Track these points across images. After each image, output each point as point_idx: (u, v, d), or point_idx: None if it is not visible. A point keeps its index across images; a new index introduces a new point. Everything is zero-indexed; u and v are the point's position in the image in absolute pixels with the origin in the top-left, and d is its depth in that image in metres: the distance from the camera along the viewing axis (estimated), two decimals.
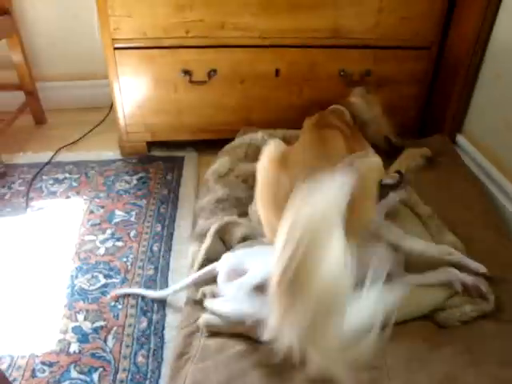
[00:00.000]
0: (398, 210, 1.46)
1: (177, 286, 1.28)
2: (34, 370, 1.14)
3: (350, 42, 1.87)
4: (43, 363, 1.16)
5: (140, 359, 1.21)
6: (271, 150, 1.28)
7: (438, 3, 1.83)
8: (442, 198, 1.54)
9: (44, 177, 1.91)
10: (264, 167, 1.25)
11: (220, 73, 1.88)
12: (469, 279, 1.17)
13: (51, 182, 1.88)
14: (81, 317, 1.30)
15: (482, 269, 1.22)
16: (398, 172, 1.53)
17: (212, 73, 1.87)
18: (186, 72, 1.86)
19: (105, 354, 1.21)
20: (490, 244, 1.34)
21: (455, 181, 1.64)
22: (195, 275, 1.22)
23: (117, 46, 1.80)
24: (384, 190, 1.45)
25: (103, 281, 1.41)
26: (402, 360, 1.05)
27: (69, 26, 2.26)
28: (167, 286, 1.40)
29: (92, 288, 1.39)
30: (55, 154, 2.05)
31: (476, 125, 1.85)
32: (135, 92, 1.91)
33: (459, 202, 1.52)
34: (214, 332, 1.12)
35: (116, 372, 1.17)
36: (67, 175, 1.92)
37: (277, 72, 1.90)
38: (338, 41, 1.86)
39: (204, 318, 1.13)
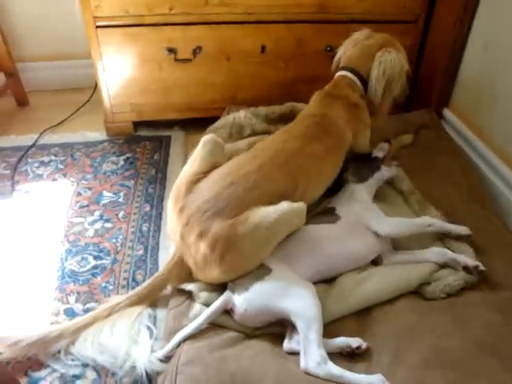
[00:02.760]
0: (382, 189, 1.48)
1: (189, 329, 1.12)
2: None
3: (335, 17, 1.85)
4: None
5: None
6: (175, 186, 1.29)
7: None
8: (427, 174, 1.56)
9: (29, 160, 1.88)
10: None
11: (205, 50, 1.85)
12: (468, 261, 1.18)
13: (37, 164, 1.86)
14: (72, 299, 1.30)
15: (465, 231, 1.24)
16: (387, 141, 1.52)
17: (197, 50, 1.84)
18: (171, 50, 1.83)
19: None
20: (475, 218, 1.36)
21: (441, 156, 1.65)
22: (207, 314, 1.12)
23: (99, 24, 1.76)
24: (375, 163, 1.46)
25: (93, 262, 1.41)
26: (390, 334, 1.07)
27: (48, 4, 2.19)
28: (157, 266, 1.40)
29: (82, 270, 1.39)
30: (40, 137, 2.02)
31: (463, 99, 1.86)
32: (119, 71, 1.87)
33: (444, 177, 1.54)
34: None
35: None
36: (53, 157, 1.90)
37: (263, 48, 1.88)
38: (324, 16, 1.84)
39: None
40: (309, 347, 1.01)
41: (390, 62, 1.43)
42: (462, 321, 1.08)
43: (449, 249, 1.25)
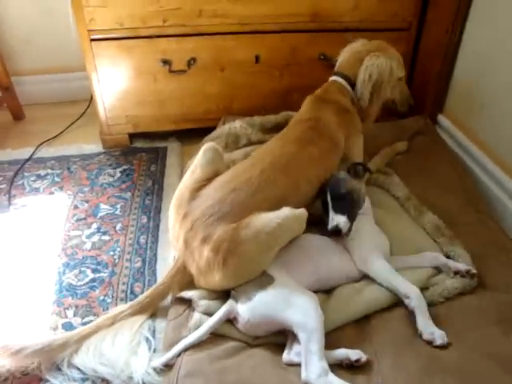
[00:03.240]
0: (377, 195, 1.48)
1: (191, 339, 1.11)
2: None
3: (329, 25, 1.87)
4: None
5: None
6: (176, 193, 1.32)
7: None
8: (422, 179, 1.57)
9: (25, 173, 1.88)
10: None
11: (200, 61, 1.86)
12: (460, 265, 1.19)
13: (33, 178, 1.86)
14: (70, 313, 1.29)
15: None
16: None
17: (192, 61, 1.85)
18: (166, 62, 1.84)
19: None
20: (472, 223, 1.37)
21: (436, 162, 1.66)
22: (210, 324, 1.12)
23: (93, 37, 1.77)
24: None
25: (91, 275, 1.41)
26: (390, 342, 1.07)
27: (43, 18, 2.21)
28: (155, 278, 1.40)
29: (80, 283, 1.38)
30: (36, 150, 2.02)
31: (457, 104, 1.87)
32: (114, 84, 1.88)
33: (439, 182, 1.55)
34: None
35: None
36: (49, 171, 1.90)
37: (257, 58, 1.89)
38: (317, 25, 1.86)
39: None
40: (310, 359, 1.00)
41: (376, 67, 1.44)
42: (459, 327, 1.08)
43: (446, 254, 1.26)
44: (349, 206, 1.26)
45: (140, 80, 1.88)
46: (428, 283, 1.19)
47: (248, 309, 1.10)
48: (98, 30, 1.75)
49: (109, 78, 1.86)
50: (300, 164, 1.31)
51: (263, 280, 1.13)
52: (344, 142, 1.45)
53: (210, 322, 1.11)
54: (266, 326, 1.11)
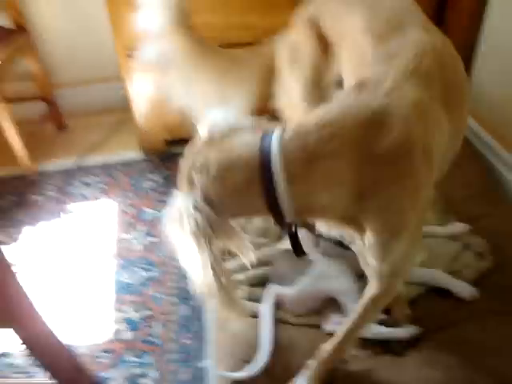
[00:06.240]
0: None
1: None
2: (96, 357, 1.31)
3: None
4: (104, 351, 1.33)
5: (184, 341, 1.37)
6: None
7: None
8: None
9: (73, 181, 2.05)
10: None
11: None
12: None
13: (81, 186, 2.02)
14: (129, 308, 1.46)
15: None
16: None
17: None
18: None
19: (154, 339, 1.38)
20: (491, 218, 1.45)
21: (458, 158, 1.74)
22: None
23: (129, 52, 1.89)
24: None
25: (144, 274, 1.57)
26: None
27: (81, 34, 2.36)
28: None
29: (135, 282, 1.55)
30: (81, 159, 2.18)
31: (478, 101, 1.95)
32: (151, 94, 2.01)
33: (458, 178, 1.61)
34: None
35: (165, 353, 1.34)
36: (95, 178, 2.06)
37: None
38: None
39: None
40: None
41: None
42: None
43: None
44: None
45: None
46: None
47: (295, 289, 1.21)
48: (134, 47, 1.88)
49: (144, 88, 1.99)
50: None
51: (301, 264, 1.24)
52: None
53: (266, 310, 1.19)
54: (311, 301, 1.21)
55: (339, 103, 0.79)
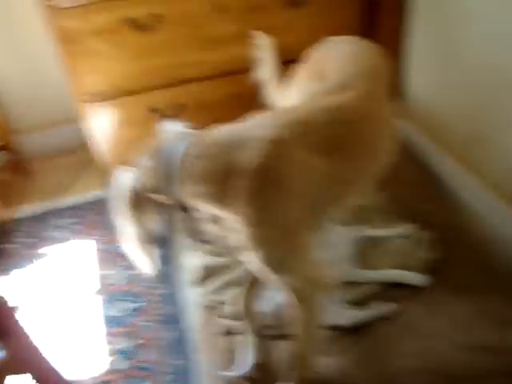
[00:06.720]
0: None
1: None
2: None
3: None
4: (103, 382, 1.44)
5: (176, 362, 1.50)
6: None
7: None
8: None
9: (46, 226, 2.12)
10: None
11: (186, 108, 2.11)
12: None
13: (53, 229, 2.09)
14: (121, 339, 1.57)
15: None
16: None
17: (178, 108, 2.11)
18: (154, 110, 2.08)
19: (148, 365, 1.49)
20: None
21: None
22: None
23: (85, 98, 1.99)
24: None
25: (130, 306, 1.68)
26: None
27: (37, 82, 2.43)
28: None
29: (123, 314, 1.66)
30: (50, 202, 2.25)
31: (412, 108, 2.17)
32: (109, 134, 2.10)
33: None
34: None
35: (160, 376, 1.47)
36: (67, 220, 2.13)
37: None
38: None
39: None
40: None
41: None
42: None
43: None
44: None
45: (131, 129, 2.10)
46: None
47: None
48: (90, 93, 1.98)
49: (104, 130, 2.08)
50: None
51: None
52: None
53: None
54: None
55: (229, 127, 1.00)
